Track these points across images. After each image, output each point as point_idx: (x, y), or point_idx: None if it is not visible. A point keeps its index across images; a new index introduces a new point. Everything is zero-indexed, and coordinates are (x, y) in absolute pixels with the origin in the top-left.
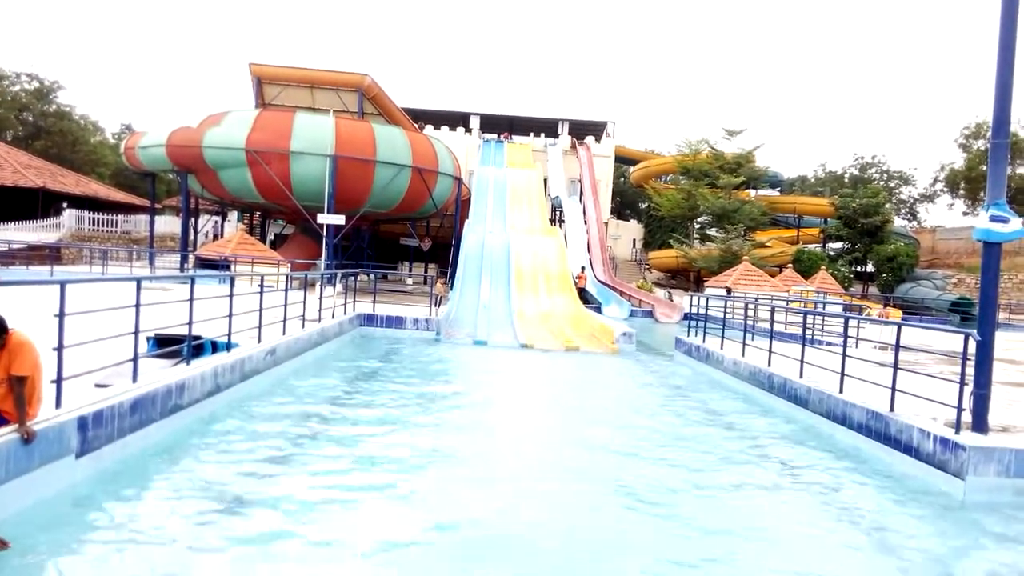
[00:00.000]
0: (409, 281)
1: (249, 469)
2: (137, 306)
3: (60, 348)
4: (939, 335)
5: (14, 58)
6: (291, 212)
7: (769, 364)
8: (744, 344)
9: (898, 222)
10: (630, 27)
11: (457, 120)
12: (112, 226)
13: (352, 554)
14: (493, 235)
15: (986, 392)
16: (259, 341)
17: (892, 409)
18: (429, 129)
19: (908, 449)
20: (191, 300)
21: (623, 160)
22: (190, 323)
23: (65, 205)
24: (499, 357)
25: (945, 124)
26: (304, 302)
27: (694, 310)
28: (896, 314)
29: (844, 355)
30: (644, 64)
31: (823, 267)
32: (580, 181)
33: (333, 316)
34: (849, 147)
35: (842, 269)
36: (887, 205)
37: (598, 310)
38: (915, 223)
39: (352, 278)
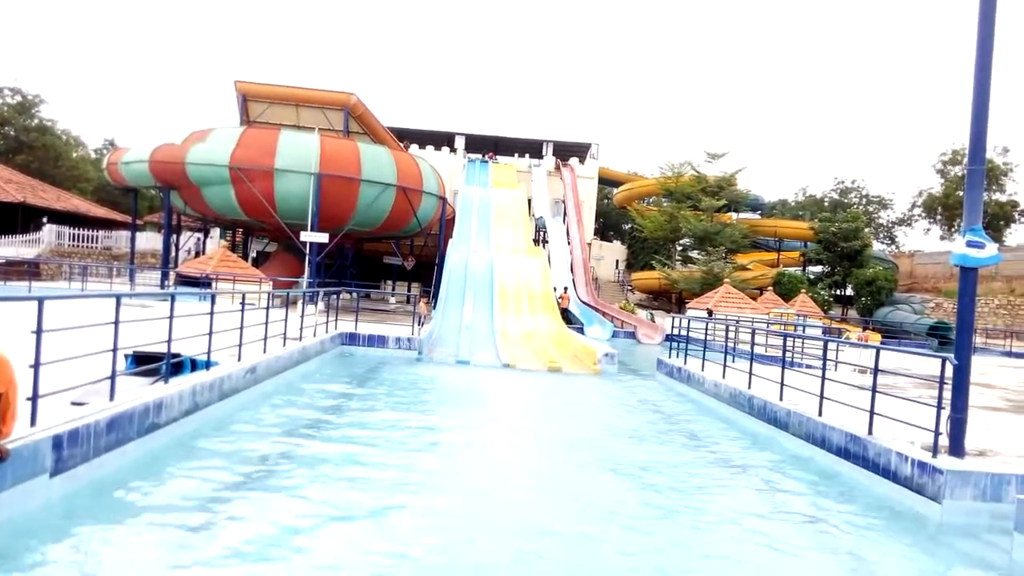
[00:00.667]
0: (392, 300)
1: (226, 490)
2: (116, 323)
3: (37, 365)
4: (917, 359)
5: None
6: (274, 230)
7: (749, 386)
8: (725, 366)
9: (877, 246)
10: (615, 50)
11: (442, 140)
12: (92, 242)
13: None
14: (477, 254)
15: (963, 416)
16: (239, 359)
17: (870, 432)
18: (414, 148)
19: (886, 472)
20: (171, 317)
21: (607, 182)
22: (169, 341)
23: (45, 220)
24: (481, 377)
25: (923, 149)
26: (286, 320)
27: (676, 331)
28: (875, 338)
29: (823, 378)
30: (628, 87)
31: (803, 290)
32: (564, 202)
33: (315, 334)
34: (829, 171)
35: (822, 292)
36: (866, 229)
37: (581, 331)
38: (894, 247)
39: (334, 296)
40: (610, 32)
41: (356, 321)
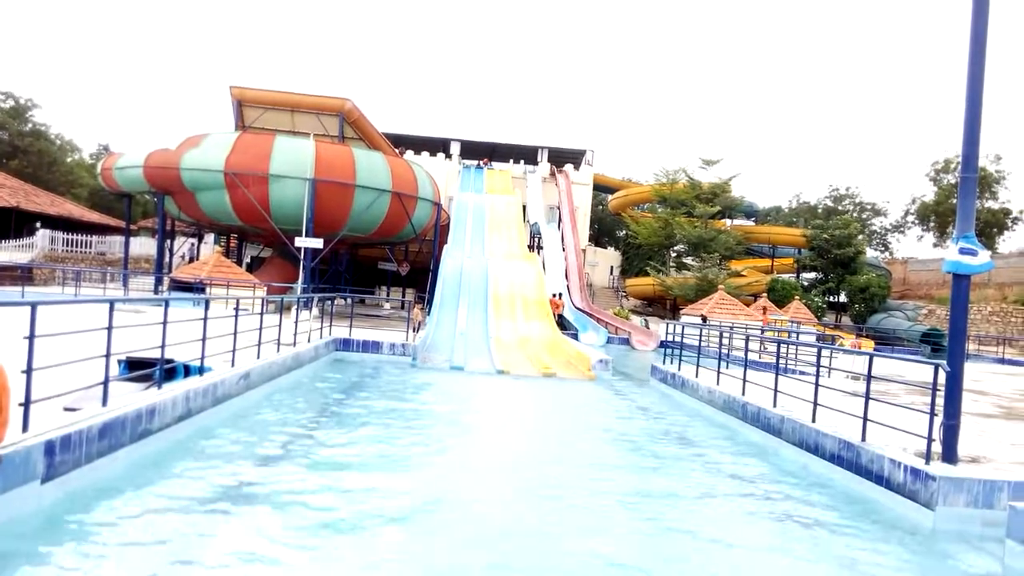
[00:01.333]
0: (386, 306)
1: (219, 496)
2: (109, 328)
3: (29, 370)
4: (910, 366)
5: None
6: (269, 235)
7: (743, 393)
8: (719, 372)
9: (870, 253)
10: (610, 57)
11: (437, 146)
12: (86, 247)
13: None
14: (471, 260)
15: (956, 423)
16: (233, 365)
17: (864, 439)
18: (410, 154)
19: (879, 479)
20: (164, 323)
21: (601, 188)
22: (163, 346)
23: (38, 225)
24: (476, 383)
25: (918, 157)
26: (280, 326)
27: (670, 338)
28: (868, 344)
29: (817, 384)
30: (623, 94)
31: (797, 297)
32: (559, 208)
33: (309, 340)
34: (824, 178)
35: (815, 299)
36: (859, 236)
37: (575, 337)
38: (887, 254)
39: (329, 302)
40: (605, 39)
41: (350, 327)
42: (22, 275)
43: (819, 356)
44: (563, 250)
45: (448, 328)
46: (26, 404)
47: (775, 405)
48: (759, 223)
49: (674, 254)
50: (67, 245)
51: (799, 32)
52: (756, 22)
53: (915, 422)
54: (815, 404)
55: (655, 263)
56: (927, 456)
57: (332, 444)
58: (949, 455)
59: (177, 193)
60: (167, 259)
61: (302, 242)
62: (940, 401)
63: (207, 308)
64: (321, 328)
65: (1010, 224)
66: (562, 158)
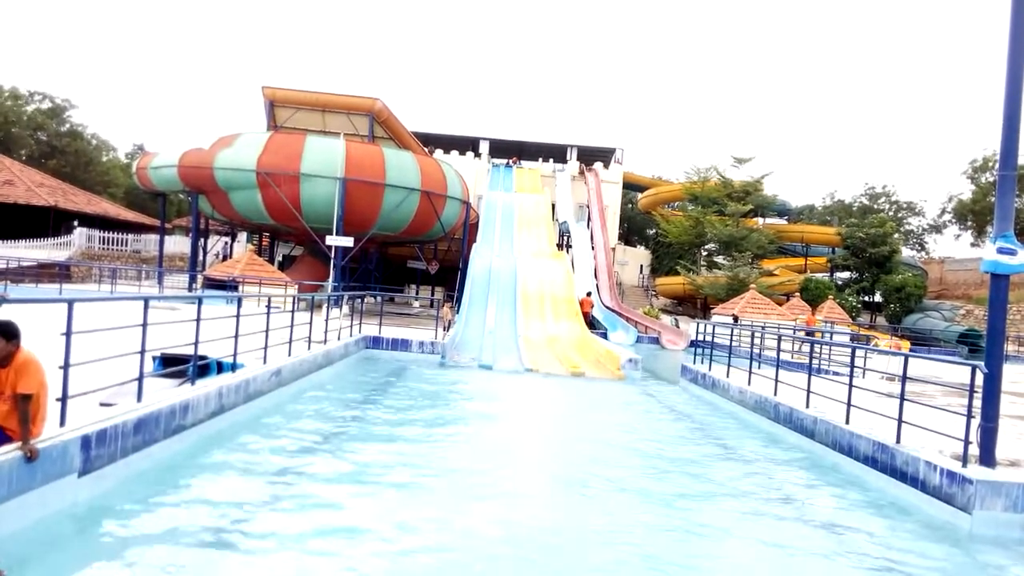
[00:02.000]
0: (416, 304)
1: (252, 491)
2: (144, 325)
3: (66, 366)
4: (947, 367)
5: (25, 76)
6: (300, 234)
7: (775, 393)
8: (751, 372)
9: (906, 252)
10: (641, 54)
11: (466, 144)
12: (122, 245)
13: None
14: (500, 259)
15: (994, 425)
16: (265, 362)
17: (898, 441)
18: (439, 153)
19: (914, 481)
20: (198, 320)
21: (631, 186)
22: (196, 343)
23: (76, 223)
24: (504, 381)
25: (955, 154)
26: (310, 323)
27: (700, 337)
28: (905, 345)
29: (851, 385)
30: (654, 91)
31: (831, 296)
32: (588, 207)
33: (339, 338)
34: (859, 177)
35: (849, 299)
36: (895, 235)
37: (604, 336)
38: (924, 254)
39: (359, 300)
40: (636, 37)
41: (380, 325)
42: (60, 272)
43: (853, 356)
44: (592, 249)
45: (477, 327)
46: (63, 399)
47: (808, 406)
48: (792, 222)
49: (705, 253)
50: (103, 243)
51: (835, 28)
52: (790, 18)
53: (952, 424)
54: (848, 405)
55: (685, 262)
56: (964, 459)
57: (362, 442)
58: (987, 458)
59: (210, 192)
60: (201, 257)
61: (333, 241)
62: (977, 403)
63: (239, 306)
64: (351, 326)
65: None
66: (591, 156)
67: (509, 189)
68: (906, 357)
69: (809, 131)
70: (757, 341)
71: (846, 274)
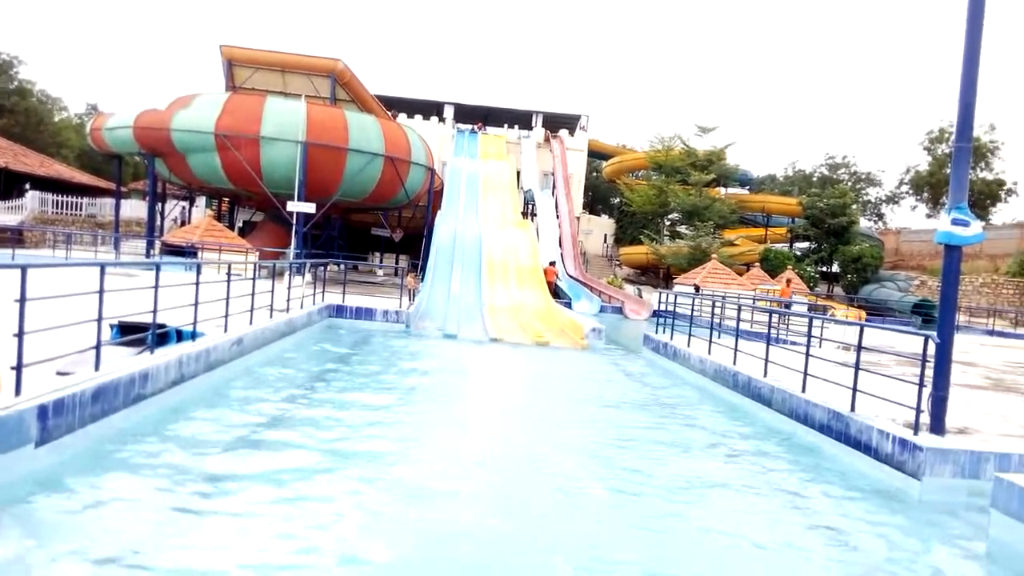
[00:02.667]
0: (380, 272)
1: (214, 460)
2: (101, 292)
3: (21, 334)
4: (901, 336)
5: None
6: (261, 199)
7: (734, 362)
8: (711, 342)
9: (864, 223)
10: (607, 22)
11: (431, 109)
12: (77, 209)
13: (316, 546)
14: (465, 227)
15: (944, 394)
16: (226, 331)
17: (853, 409)
18: (402, 118)
19: (867, 449)
20: (156, 287)
21: (596, 155)
22: (155, 311)
23: (28, 186)
24: (469, 351)
25: (914, 125)
26: (272, 291)
27: (663, 307)
28: (859, 315)
29: (807, 355)
30: (619, 58)
31: (789, 266)
32: (553, 174)
33: (302, 306)
34: (820, 147)
35: (808, 269)
36: (854, 206)
37: (568, 305)
38: (881, 225)
39: (322, 268)
40: (603, 4)
41: (343, 293)
42: (12, 237)
43: (810, 326)
44: (557, 217)
45: (442, 295)
46: (18, 368)
47: (766, 375)
48: (754, 191)
49: (668, 222)
50: (57, 207)
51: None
52: None
53: (905, 393)
54: (805, 374)
55: (649, 231)
56: (915, 427)
57: (327, 411)
58: (937, 426)
59: (167, 155)
60: (158, 222)
61: (294, 207)
62: (929, 372)
63: (199, 273)
64: (314, 294)
65: (1003, 195)
66: (557, 123)
67: (474, 156)
68: (861, 327)
69: (772, 100)
70: (718, 311)
71: (805, 244)
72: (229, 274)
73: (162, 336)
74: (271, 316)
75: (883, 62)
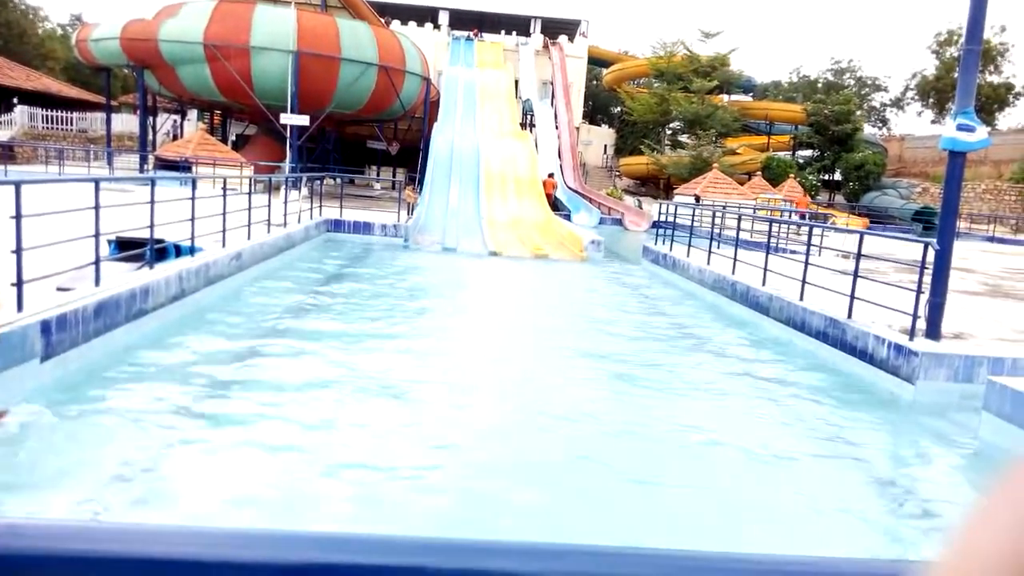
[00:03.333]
0: (377, 186)
1: (217, 372)
2: (96, 208)
3: (19, 250)
4: (901, 244)
5: None
6: (253, 111)
7: (733, 272)
8: (710, 252)
9: (868, 130)
10: None
11: (425, 15)
12: (67, 124)
13: (320, 458)
14: (462, 139)
15: (941, 300)
16: (224, 246)
17: (850, 316)
18: (396, 25)
19: (863, 355)
20: (152, 202)
21: (597, 62)
22: (152, 226)
23: (16, 101)
24: (468, 264)
25: (922, 28)
26: (269, 206)
27: (663, 218)
28: (859, 223)
29: (806, 263)
30: None
31: (792, 175)
32: (552, 83)
33: (299, 221)
34: (825, 51)
35: (810, 177)
36: (858, 112)
37: (567, 217)
38: (885, 131)
39: (318, 182)
40: None
41: (341, 208)
42: (3, 153)
43: (810, 235)
44: (556, 128)
45: (440, 209)
46: (18, 284)
47: (764, 284)
48: (757, 98)
49: (669, 132)
50: (47, 122)
51: None
52: None
53: (903, 300)
54: (803, 282)
55: (650, 141)
56: (911, 332)
57: (329, 324)
58: (933, 332)
59: (156, 67)
60: (150, 137)
61: (288, 119)
62: (927, 279)
63: (194, 188)
64: (311, 209)
65: (1011, 100)
66: (556, 29)
67: (470, 65)
68: (861, 235)
69: (778, 3)
70: (718, 221)
71: (808, 152)
72: (225, 189)
73: (160, 252)
74: (269, 231)
75: None
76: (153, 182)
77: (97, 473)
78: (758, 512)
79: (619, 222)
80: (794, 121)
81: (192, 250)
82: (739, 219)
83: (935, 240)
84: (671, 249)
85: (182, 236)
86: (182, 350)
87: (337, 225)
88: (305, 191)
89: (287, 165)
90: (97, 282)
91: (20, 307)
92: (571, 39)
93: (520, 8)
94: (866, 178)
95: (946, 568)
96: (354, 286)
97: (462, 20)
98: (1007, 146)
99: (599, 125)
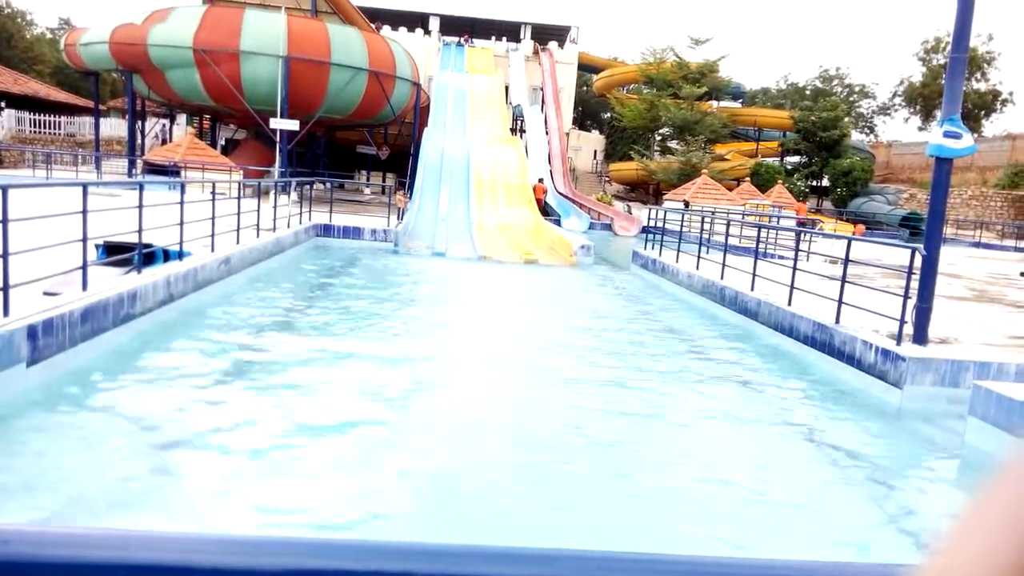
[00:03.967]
0: (367, 191)
1: (206, 377)
2: (84, 212)
3: (5, 255)
4: (888, 249)
5: None
6: (242, 116)
7: (722, 277)
8: (699, 257)
9: (856, 136)
10: None
11: (416, 21)
12: (55, 128)
13: (309, 468)
14: (453, 144)
15: (928, 306)
16: (212, 250)
17: (838, 321)
18: (387, 30)
19: (851, 360)
20: (140, 207)
21: (587, 68)
22: (140, 230)
23: (3, 104)
24: (458, 268)
25: (909, 35)
26: (258, 210)
27: (652, 223)
28: (847, 228)
29: (795, 268)
30: None
31: (780, 181)
32: (542, 89)
33: (288, 226)
34: (814, 59)
35: (798, 183)
36: (846, 119)
37: (557, 223)
38: (873, 137)
39: (307, 187)
40: None
41: (330, 212)
42: None
43: (798, 240)
44: (546, 133)
45: (430, 214)
46: (4, 288)
47: (752, 289)
48: (746, 105)
49: (659, 138)
50: (35, 126)
51: None
52: None
53: (890, 305)
54: (792, 287)
55: (639, 147)
56: (898, 338)
57: (319, 328)
58: (920, 337)
59: (146, 71)
60: (139, 141)
61: (277, 124)
62: (915, 284)
63: (183, 192)
64: (301, 213)
65: (998, 106)
66: (546, 35)
67: (461, 70)
68: (848, 240)
69: (767, 11)
70: (707, 226)
71: (796, 158)
72: (214, 193)
73: (148, 256)
74: (258, 235)
75: None
76: (141, 186)
77: (81, 478)
78: (744, 516)
79: (609, 227)
80: (782, 127)
81: (180, 255)
82: (727, 224)
83: (922, 246)
84: (660, 254)
85: (171, 241)
86: (170, 355)
87: (327, 230)
88: (295, 196)
89: (277, 170)
90: (84, 287)
91: (6, 312)
92: (561, 45)
93: (511, 14)
94: (853, 184)
95: (937, 571)
96: (343, 291)
97: (453, 26)
98: (993, 153)
99: (589, 131)
